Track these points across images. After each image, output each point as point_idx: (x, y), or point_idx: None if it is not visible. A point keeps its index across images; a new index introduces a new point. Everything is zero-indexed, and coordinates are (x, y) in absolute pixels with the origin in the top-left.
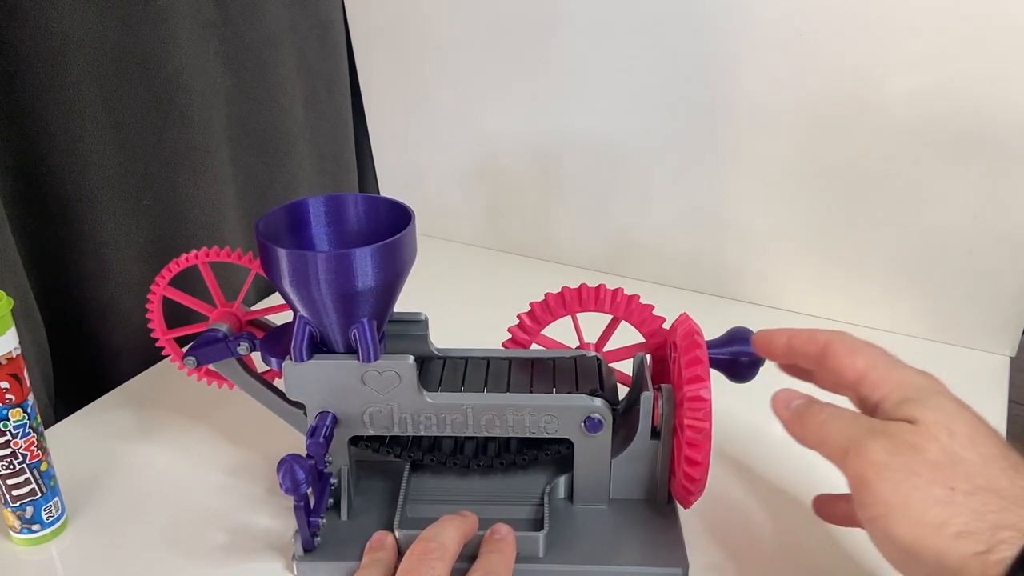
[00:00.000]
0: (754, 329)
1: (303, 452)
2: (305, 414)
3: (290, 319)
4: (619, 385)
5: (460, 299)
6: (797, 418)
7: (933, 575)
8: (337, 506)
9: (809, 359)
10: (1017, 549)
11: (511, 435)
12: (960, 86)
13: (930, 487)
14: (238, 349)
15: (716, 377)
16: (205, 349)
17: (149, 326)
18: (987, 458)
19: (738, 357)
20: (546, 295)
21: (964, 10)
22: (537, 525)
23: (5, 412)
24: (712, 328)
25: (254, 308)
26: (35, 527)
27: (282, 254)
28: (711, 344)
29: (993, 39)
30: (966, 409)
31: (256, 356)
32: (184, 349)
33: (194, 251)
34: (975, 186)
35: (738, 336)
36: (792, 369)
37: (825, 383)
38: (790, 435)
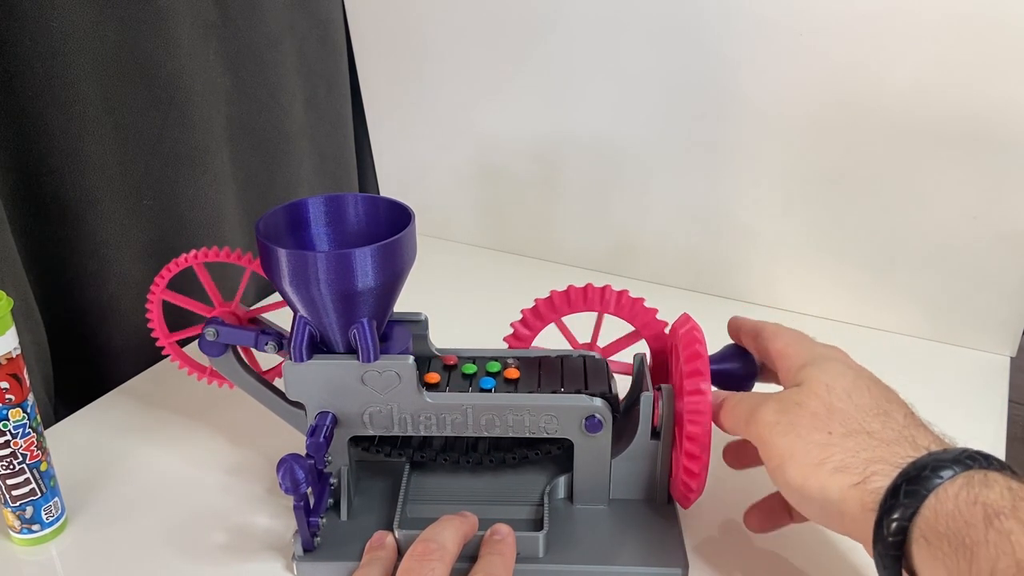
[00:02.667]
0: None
1: (303, 452)
2: (305, 414)
3: (288, 317)
4: (618, 377)
5: (460, 299)
6: (716, 412)
7: (823, 509)
8: (337, 506)
9: (751, 338)
10: (889, 479)
11: (511, 435)
12: (960, 86)
13: (811, 434)
14: (265, 347)
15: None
16: (230, 329)
17: (149, 326)
18: (861, 407)
19: (733, 372)
20: (551, 292)
21: (964, 10)
22: (537, 525)
23: (5, 412)
24: (712, 328)
25: (254, 307)
26: (35, 527)
27: (282, 254)
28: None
29: (993, 39)
30: (851, 371)
31: (258, 356)
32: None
33: (193, 251)
34: (975, 186)
35: (732, 355)
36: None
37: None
38: (720, 429)
